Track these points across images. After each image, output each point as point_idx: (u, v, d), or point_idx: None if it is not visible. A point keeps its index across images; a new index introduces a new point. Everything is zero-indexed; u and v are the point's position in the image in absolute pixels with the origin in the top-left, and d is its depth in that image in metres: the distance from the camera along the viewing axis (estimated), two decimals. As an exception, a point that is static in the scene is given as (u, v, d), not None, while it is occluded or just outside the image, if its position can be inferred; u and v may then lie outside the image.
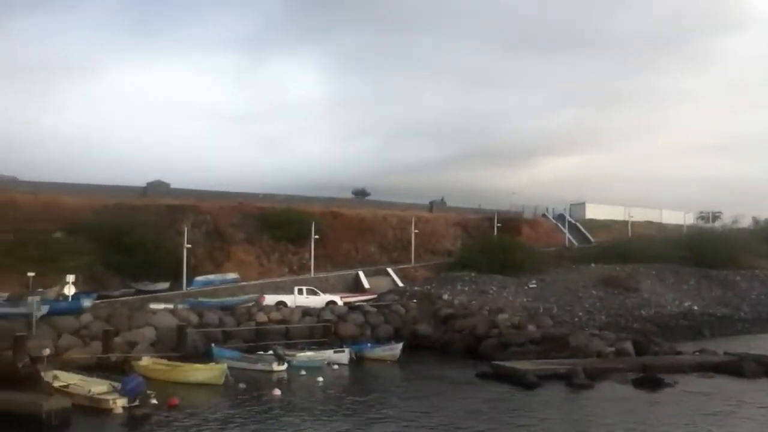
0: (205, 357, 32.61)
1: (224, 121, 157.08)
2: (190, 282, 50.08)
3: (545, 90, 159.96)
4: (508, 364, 29.42)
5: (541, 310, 42.06)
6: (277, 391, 24.90)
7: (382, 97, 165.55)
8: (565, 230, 78.31)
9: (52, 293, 40.76)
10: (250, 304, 43.79)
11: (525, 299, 47.96)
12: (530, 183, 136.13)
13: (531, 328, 37.67)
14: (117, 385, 22.55)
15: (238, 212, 61.54)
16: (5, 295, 42.80)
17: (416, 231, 64.90)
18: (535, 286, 53.50)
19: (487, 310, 42.56)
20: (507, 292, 50.48)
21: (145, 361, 29.51)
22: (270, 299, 45.68)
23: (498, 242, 64.50)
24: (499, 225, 71.54)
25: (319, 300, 46.54)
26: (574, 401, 24.01)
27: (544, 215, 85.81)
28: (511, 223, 75.09)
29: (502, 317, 39.89)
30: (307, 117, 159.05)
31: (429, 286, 52.33)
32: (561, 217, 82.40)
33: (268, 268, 59.23)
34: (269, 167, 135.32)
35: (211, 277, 52.33)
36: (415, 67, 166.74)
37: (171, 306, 40.63)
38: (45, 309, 33.14)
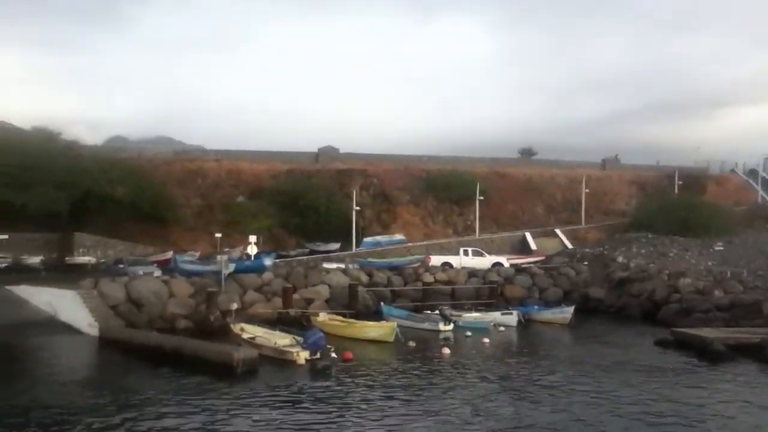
0: (375, 315, 33.62)
1: (391, 85, 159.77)
2: (359, 243, 51.90)
3: (738, 33, 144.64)
4: (691, 331, 27.24)
5: (729, 275, 38.35)
6: (446, 351, 25.08)
7: (555, 50, 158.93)
8: (758, 187, 70.88)
9: (236, 253, 44.22)
10: (417, 265, 44.43)
11: (710, 263, 44.06)
12: (717, 136, 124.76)
13: (717, 293, 34.56)
14: (299, 338, 23.90)
15: (404, 175, 62.51)
16: (197, 254, 47.17)
17: (587, 190, 62.03)
18: (721, 248, 49.07)
19: (667, 274, 39.68)
20: (689, 255, 46.75)
21: (322, 317, 31.06)
22: (436, 260, 46.06)
23: (679, 201, 59.89)
24: (679, 182, 66.34)
25: (485, 261, 46.16)
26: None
27: (732, 171, 78.31)
28: (694, 180, 69.44)
29: (685, 281, 37.00)
30: (473, 77, 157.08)
31: (601, 248, 49.93)
32: (753, 173, 74.75)
33: (433, 229, 59.79)
34: (434, 129, 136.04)
35: (379, 238, 53.85)
36: (596, 14, 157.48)
37: (342, 266, 42.32)
38: (232, 267, 35.82)
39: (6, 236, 46.80)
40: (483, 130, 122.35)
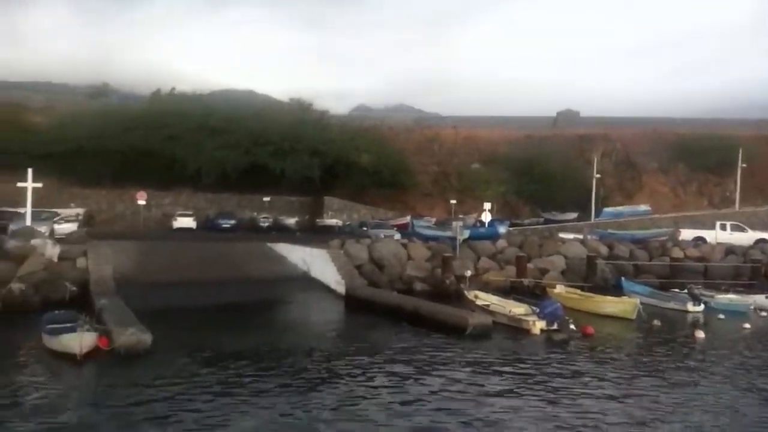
0: (614, 290, 31.69)
1: (634, 46, 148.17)
2: (598, 213, 49.30)
3: None
4: None
5: None
6: (700, 334, 22.70)
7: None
8: None
9: (470, 219, 44.59)
10: (664, 238, 41.02)
11: None
12: None
13: None
14: (535, 308, 23.38)
15: (652, 139, 57.73)
16: (433, 219, 48.50)
17: None
18: None
19: None
20: None
21: (559, 288, 30.05)
22: (687, 234, 42.09)
23: None
24: None
25: (746, 237, 41.11)
26: None
27: None
28: None
29: None
30: (731, 36, 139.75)
31: None
32: None
33: (683, 200, 54.63)
34: (689, 91, 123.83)
35: (621, 208, 50.64)
36: None
37: (580, 236, 40.53)
38: (466, 233, 36.18)
39: (268, 198, 52.57)
40: (748, 90, 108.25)
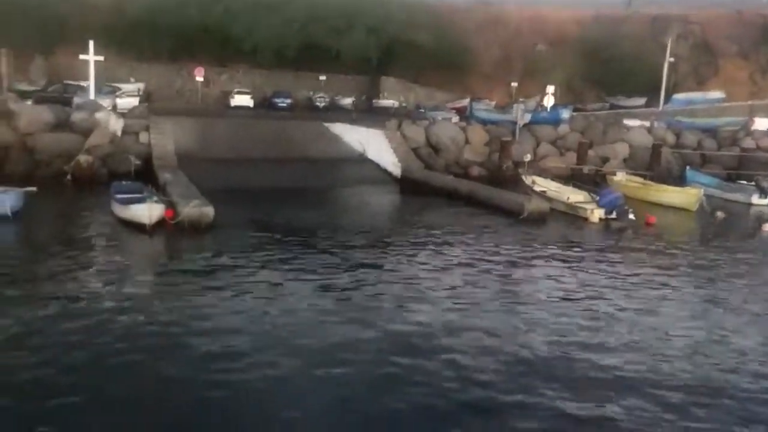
0: (677, 180, 30.76)
1: None
2: (667, 99, 47.04)
3: None
4: None
5: None
6: (767, 227, 22.03)
7: None
8: None
9: (532, 103, 43.19)
10: (736, 128, 39.02)
11: None
12: None
13: None
14: (594, 196, 22.95)
15: (735, 22, 53.63)
16: (493, 103, 47.22)
17: None
18: None
19: None
20: None
21: (619, 176, 29.31)
22: (761, 124, 39.89)
23: None
24: None
25: (829, 129, 38.71)
26: None
27: None
28: None
29: None
30: None
31: None
32: None
33: (761, 87, 51.39)
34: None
35: (692, 95, 48.13)
36: None
37: (646, 123, 38.96)
38: (527, 118, 35.20)
39: (324, 78, 51.92)
40: None
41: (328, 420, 8.06)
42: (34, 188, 18.82)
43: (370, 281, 13.86)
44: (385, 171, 29.50)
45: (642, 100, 47.96)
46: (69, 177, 24.05)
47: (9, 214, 17.62)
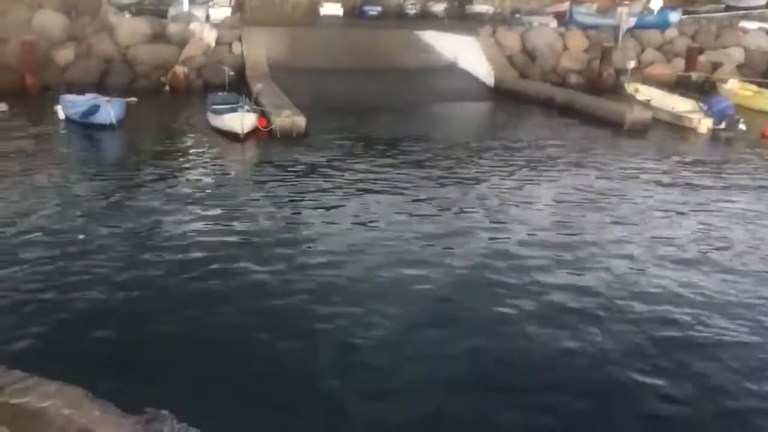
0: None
1: None
2: (793, -2, 42.48)
3: None
4: None
5: None
6: None
7: None
8: None
9: (637, 6, 40.10)
10: None
11: None
12: None
13: None
14: (702, 105, 21.40)
15: None
16: (594, 6, 44.18)
17: None
18: None
19: None
20: None
21: (731, 83, 27.10)
22: None
23: None
24: None
25: None
26: None
27: None
28: None
29: None
30: None
31: None
32: None
33: None
34: None
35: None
36: None
37: (765, 25, 35.50)
38: (632, 22, 32.82)
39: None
40: None
41: (421, 323, 8.10)
42: (134, 99, 19.49)
43: (459, 195, 13.65)
44: (477, 80, 28.54)
45: (763, 0, 43.53)
46: (167, 88, 24.77)
47: (114, 122, 18.41)
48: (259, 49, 26.91)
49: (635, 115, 20.34)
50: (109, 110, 18.43)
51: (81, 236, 10.41)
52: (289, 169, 15.11)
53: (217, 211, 11.91)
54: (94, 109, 18.52)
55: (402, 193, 13.47)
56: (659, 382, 6.92)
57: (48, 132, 18.53)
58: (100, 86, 23.27)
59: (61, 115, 19.36)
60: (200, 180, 14.22)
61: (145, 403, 4.42)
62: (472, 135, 20.07)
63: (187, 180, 14.15)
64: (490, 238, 10.92)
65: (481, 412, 6.32)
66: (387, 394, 6.55)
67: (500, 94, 26.61)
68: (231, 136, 17.62)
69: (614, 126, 20.24)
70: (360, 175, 14.68)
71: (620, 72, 27.91)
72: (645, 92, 24.60)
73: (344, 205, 12.58)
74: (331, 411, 6.23)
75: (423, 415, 6.22)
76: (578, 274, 9.59)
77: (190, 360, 6.98)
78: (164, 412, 4.14)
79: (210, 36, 27.07)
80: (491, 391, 6.66)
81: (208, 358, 7.04)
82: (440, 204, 12.87)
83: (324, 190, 13.43)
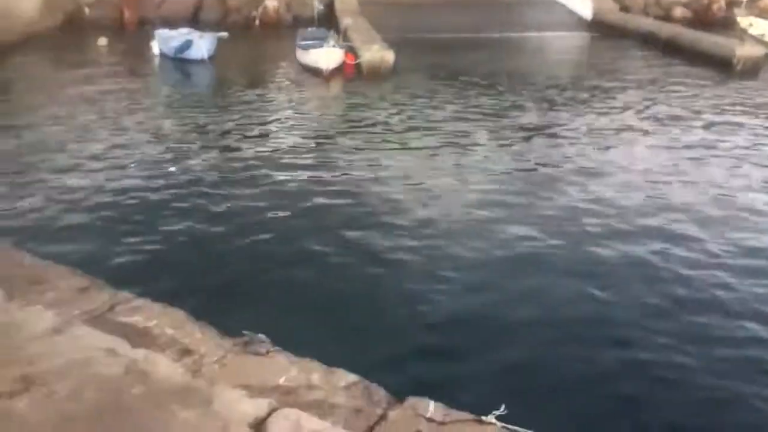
0: None
1: None
2: None
3: None
4: None
5: None
6: None
7: None
8: None
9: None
10: None
11: None
12: None
13: None
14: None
15: None
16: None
17: None
18: None
19: None
20: None
21: None
22: None
23: None
24: None
25: None
26: None
27: None
28: None
29: None
30: None
31: None
32: None
33: None
34: None
35: None
36: None
37: None
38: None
39: None
40: None
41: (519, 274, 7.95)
42: (226, 33, 19.73)
43: (552, 137, 13.12)
44: (573, 13, 27.12)
45: None
46: (257, 22, 24.93)
47: (205, 57, 18.76)
48: (349, -18, 26.46)
49: (746, 51, 18.84)
50: (202, 46, 18.76)
51: (172, 168, 10.76)
52: (371, 106, 14.93)
53: (297, 149, 11.86)
54: (187, 44, 18.90)
55: (489, 135, 13.07)
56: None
57: (143, 66, 19.12)
58: (194, 21, 23.71)
59: (156, 50, 19.88)
60: (283, 115, 14.28)
61: (242, 327, 4.55)
62: (565, 73, 19.23)
63: (270, 115, 14.24)
64: (584, 185, 10.43)
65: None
66: (466, 325, 6.51)
67: (598, 28, 25.22)
68: (317, 72, 17.61)
69: (723, 64, 18.85)
70: (446, 115, 14.32)
71: (733, 3, 25.81)
72: (761, 26, 22.72)
73: (427, 147, 12.18)
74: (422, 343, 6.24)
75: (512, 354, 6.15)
76: (680, 222, 9.10)
77: (283, 288, 7.13)
78: (261, 335, 4.24)
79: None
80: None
81: (300, 286, 7.17)
82: (529, 146, 12.44)
83: (404, 131, 13.18)
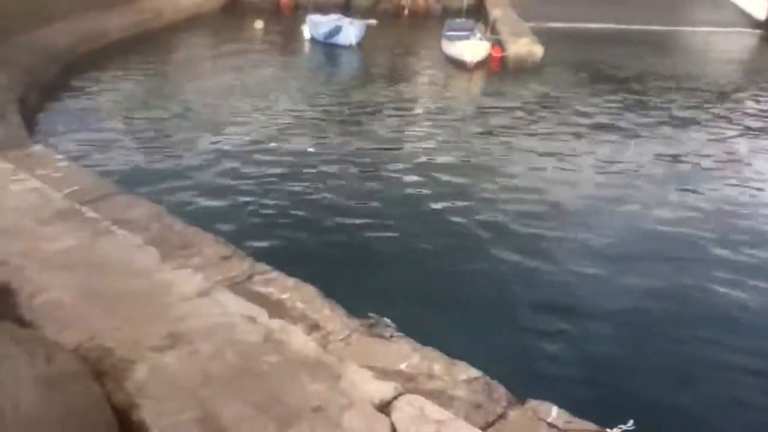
0: None
1: None
2: None
3: None
4: None
5: None
6: None
7: None
8: None
9: None
10: None
11: None
12: None
13: None
14: None
15: None
16: None
17: None
18: None
19: None
20: None
21: None
22: None
23: None
24: None
25: None
26: None
27: None
28: None
29: None
30: None
31: None
32: None
33: None
34: None
35: None
36: None
37: None
38: None
39: None
40: None
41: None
42: (375, 21, 20.09)
43: (702, 146, 12.19)
44: (743, 12, 25.03)
45: None
46: (406, 12, 25.18)
47: (354, 43, 19.24)
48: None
49: None
50: (351, 32, 19.23)
51: (310, 149, 11.12)
52: (513, 102, 14.55)
53: (434, 139, 11.86)
54: (337, 30, 19.46)
55: (637, 138, 12.37)
56: None
57: (293, 49, 19.97)
58: (345, 7, 24.35)
59: (307, 35, 20.65)
60: (422, 105, 14.35)
61: (368, 309, 4.66)
62: (729, 77, 17.81)
63: (410, 104, 14.35)
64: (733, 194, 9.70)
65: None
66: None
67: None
68: (461, 64, 17.49)
69: None
70: (591, 116, 13.68)
71: None
72: None
73: (568, 152, 11.56)
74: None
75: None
76: None
77: (416, 275, 7.17)
78: (386, 319, 4.32)
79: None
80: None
81: (433, 274, 7.18)
82: (680, 153, 11.64)
83: (547, 128, 12.78)
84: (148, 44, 18.89)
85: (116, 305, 3.24)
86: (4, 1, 16.02)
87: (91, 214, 4.18)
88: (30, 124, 10.67)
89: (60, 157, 7.33)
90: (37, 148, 7.74)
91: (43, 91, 13.04)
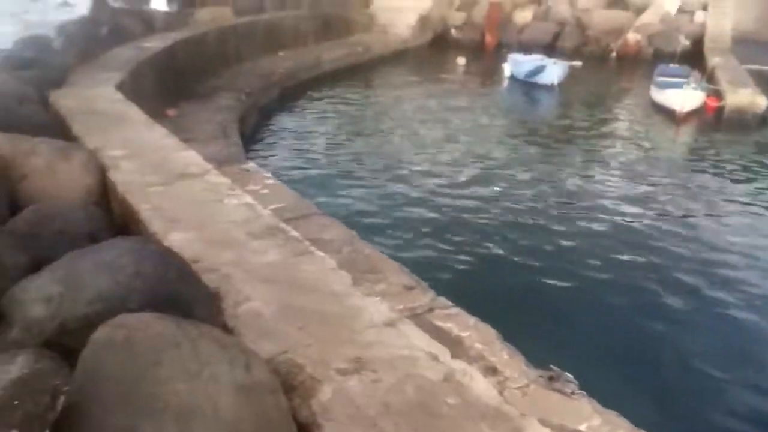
0: None
1: None
2: None
3: None
4: None
5: None
6: None
7: None
8: None
9: None
10: None
11: None
12: None
13: None
14: None
15: None
16: None
17: None
18: None
19: None
20: None
21: None
22: None
23: None
24: None
25: None
26: None
27: None
28: None
29: None
30: None
31: None
32: None
33: None
34: None
35: None
36: None
37: None
38: None
39: None
40: None
41: None
42: (579, 62, 19.63)
43: None
44: None
45: None
46: (614, 54, 24.30)
47: (555, 83, 18.88)
48: (725, 17, 24.12)
49: None
50: (553, 72, 18.89)
51: (497, 188, 11.04)
52: (727, 159, 13.18)
53: (629, 192, 11.15)
54: (540, 69, 19.22)
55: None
56: None
57: (493, 86, 20.10)
58: (550, 48, 24.06)
59: (507, 73, 20.67)
60: (621, 154, 13.52)
61: (546, 360, 4.46)
62: None
63: (607, 152, 13.65)
64: None
65: None
66: None
67: None
68: (669, 113, 16.29)
69: None
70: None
71: None
72: None
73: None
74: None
75: None
76: None
77: (599, 329, 6.82)
78: (568, 374, 4.10)
79: (672, 2, 25.40)
80: None
81: (618, 333, 6.78)
82: None
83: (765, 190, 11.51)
84: (356, 76, 20.11)
85: (310, 324, 3.40)
86: (248, 34, 17.94)
87: (293, 233, 4.46)
88: (247, 142, 11.77)
89: (268, 174, 7.95)
90: (251, 165, 8.45)
91: (261, 113, 14.39)
